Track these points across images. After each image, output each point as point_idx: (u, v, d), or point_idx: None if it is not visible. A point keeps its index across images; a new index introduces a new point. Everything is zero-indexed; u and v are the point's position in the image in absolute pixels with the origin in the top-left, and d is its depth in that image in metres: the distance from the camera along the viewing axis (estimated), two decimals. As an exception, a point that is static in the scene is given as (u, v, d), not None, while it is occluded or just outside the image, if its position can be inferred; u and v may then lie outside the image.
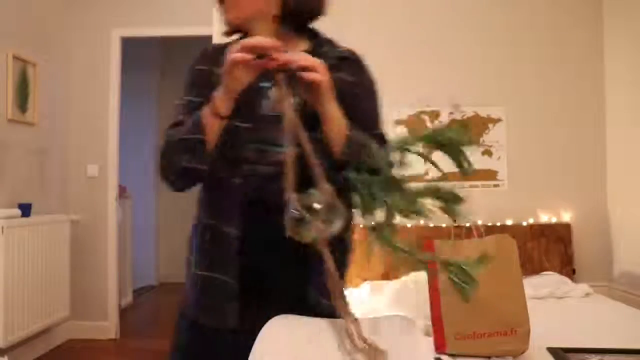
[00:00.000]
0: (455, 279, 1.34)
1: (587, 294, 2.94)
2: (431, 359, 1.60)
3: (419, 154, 1.15)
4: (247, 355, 1.11)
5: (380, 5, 3.66)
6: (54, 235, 3.29)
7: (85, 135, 3.66)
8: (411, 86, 3.62)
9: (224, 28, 1.32)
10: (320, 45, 1.33)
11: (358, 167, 1.09)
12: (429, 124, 3.59)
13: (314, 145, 1.03)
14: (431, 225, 3.49)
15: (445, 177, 1.35)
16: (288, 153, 1.01)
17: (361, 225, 3.64)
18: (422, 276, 2.45)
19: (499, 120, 3.60)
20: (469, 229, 3.63)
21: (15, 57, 3.08)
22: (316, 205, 0.99)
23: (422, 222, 3.50)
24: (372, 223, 1.14)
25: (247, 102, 1.12)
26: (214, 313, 1.24)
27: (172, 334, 1.36)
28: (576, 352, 1.87)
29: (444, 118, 3.60)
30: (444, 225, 3.48)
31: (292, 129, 1.00)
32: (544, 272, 3.21)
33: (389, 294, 2.58)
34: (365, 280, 3.34)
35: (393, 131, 3.59)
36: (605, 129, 3.60)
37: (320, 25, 3.95)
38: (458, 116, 3.60)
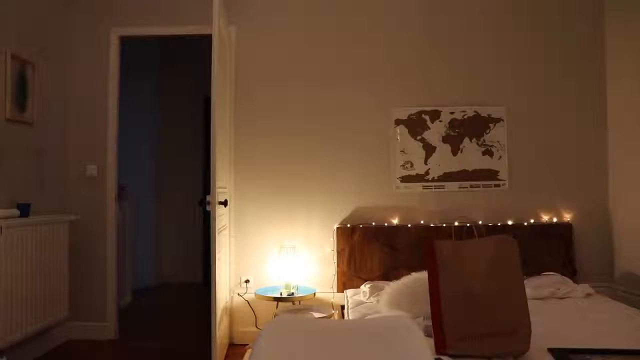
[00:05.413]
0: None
1: (589, 295, 2.93)
2: (432, 360, 1.59)
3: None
4: None
5: (380, 4, 3.66)
6: (52, 235, 3.28)
7: (84, 135, 3.65)
8: (412, 86, 3.62)
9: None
10: None
11: None
12: (429, 124, 3.58)
13: None
14: (432, 225, 3.48)
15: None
16: None
17: (361, 226, 3.65)
18: (422, 277, 2.45)
19: (499, 120, 3.59)
20: (470, 229, 3.64)
21: (14, 57, 3.07)
22: None
23: (422, 222, 3.51)
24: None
25: None
26: None
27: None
28: (577, 353, 1.86)
29: (445, 118, 3.59)
30: (444, 225, 3.47)
31: None
32: (545, 273, 3.20)
33: (389, 295, 2.57)
34: (366, 280, 3.34)
35: (394, 131, 3.59)
36: (606, 129, 3.59)
37: (321, 24, 3.92)
38: (459, 116, 3.59)
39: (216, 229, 2.85)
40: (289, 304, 3.32)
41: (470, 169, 3.57)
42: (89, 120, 3.67)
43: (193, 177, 5.75)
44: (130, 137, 4.41)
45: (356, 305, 2.90)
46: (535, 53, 3.61)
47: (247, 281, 3.53)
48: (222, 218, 3.17)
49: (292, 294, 3.23)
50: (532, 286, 2.89)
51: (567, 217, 3.54)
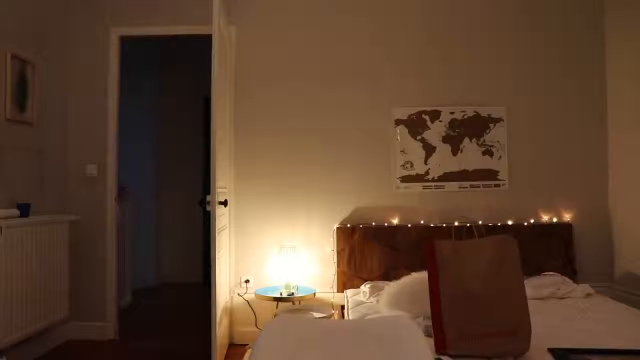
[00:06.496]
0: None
1: (589, 295, 2.93)
2: (432, 360, 1.59)
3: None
4: None
5: (380, 4, 3.66)
6: (52, 235, 3.28)
7: (84, 135, 3.65)
8: (412, 86, 3.62)
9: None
10: None
11: None
12: (429, 124, 3.58)
13: None
14: (432, 225, 3.48)
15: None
16: None
17: (361, 226, 3.64)
18: (422, 277, 2.45)
19: (499, 120, 3.59)
20: (470, 229, 3.64)
21: (14, 57, 3.07)
22: None
23: (422, 222, 3.51)
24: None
25: None
26: None
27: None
28: (577, 353, 1.86)
29: (445, 118, 3.59)
30: (444, 225, 3.47)
31: None
32: (545, 273, 3.20)
33: (389, 295, 2.57)
34: (366, 280, 3.34)
35: (394, 131, 3.59)
36: (606, 129, 3.59)
37: (321, 24, 3.92)
38: (459, 116, 3.59)
39: (216, 229, 2.85)
40: (289, 304, 3.32)
41: (470, 169, 3.57)
42: (89, 120, 3.67)
43: (193, 177, 5.75)
44: (130, 137, 4.41)
45: (356, 305, 2.90)
46: (535, 53, 3.61)
47: (247, 281, 3.53)
48: (222, 218, 3.17)
49: (292, 294, 3.23)
50: (532, 286, 2.89)
51: (567, 217, 3.53)
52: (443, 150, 3.58)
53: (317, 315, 3.03)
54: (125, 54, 3.79)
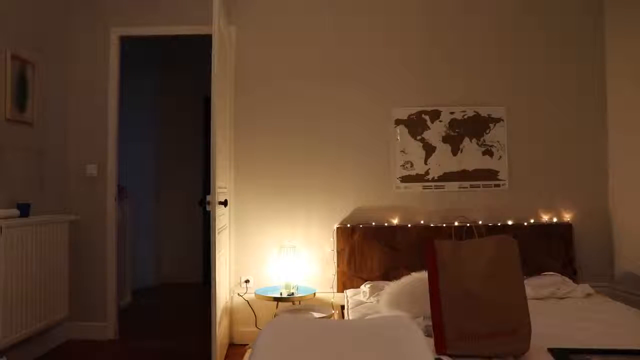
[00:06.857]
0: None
1: (589, 295, 2.93)
2: (432, 360, 1.59)
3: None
4: None
5: (380, 4, 3.66)
6: (52, 235, 3.28)
7: (84, 135, 3.65)
8: (412, 86, 3.62)
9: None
10: None
11: None
12: (429, 124, 3.58)
13: None
14: (432, 225, 3.48)
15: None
16: None
17: (361, 226, 3.64)
18: (422, 277, 2.45)
19: (499, 120, 3.59)
20: (470, 229, 3.64)
21: (14, 57, 3.07)
22: None
23: (422, 222, 3.51)
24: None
25: None
26: None
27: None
28: (577, 353, 1.86)
29: (445, 118, 3.59)
30: (444, 225, 3.47)
31: None
32: (545, 273, 3.20)
33: (389, 295, 2.57)
34: (366, 280, 3.34)
35: (394, 131, 3.59)
36: (606, 129, 3.59)
37: (320, 24, 3.92)
38: (459, 116, 3.59)
39: (216, 229, 2.85)
40: (289, 304, 3.32)
41: (470, 169, 3.57)
42: (89, 120, 3.67)
43: (193, 177, 5.75)
44: (130, 137, 4.41)
45: (356, 305, 2.90)
46: (535, 53, 3.61)
47: (247, 281, 3.53)
48: (222, 218, 3.17)
49: (292, 294, 3.23)
50: (532, 286, 2.89)
51: (567, 217, 3.53)
52: (443, 150, 3.58)
53: (317, 315, 3.03)
54: (125, 54, 3.79)
